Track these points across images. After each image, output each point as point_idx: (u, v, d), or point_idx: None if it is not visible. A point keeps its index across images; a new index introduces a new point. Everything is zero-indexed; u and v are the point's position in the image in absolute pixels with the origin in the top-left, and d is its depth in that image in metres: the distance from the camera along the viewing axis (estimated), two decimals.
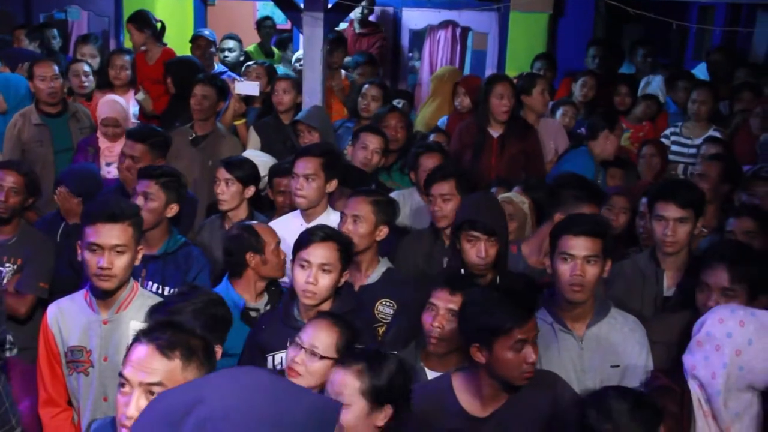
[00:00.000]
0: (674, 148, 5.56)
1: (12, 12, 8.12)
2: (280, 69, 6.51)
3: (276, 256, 3.38)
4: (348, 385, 2.28)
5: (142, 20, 5.98)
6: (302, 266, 2.93)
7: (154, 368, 1.94)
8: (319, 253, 2.91)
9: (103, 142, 4.89)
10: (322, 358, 2.52)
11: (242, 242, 3.33)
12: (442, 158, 4.15)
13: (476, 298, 2.51)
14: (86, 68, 5.79)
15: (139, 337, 2.00)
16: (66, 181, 4.19)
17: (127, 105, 5.33)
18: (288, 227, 3.57)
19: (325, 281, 2.90)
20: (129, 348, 2.01)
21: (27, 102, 5.28)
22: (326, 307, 2.95)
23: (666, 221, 3.21)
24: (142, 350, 1.96)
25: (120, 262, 2.74)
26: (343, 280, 2.97)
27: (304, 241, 2.97)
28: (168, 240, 3.58)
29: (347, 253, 2.98)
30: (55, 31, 7.06)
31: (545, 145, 5.03)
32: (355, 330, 2.61)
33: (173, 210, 3.61)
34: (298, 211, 3.81)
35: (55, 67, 5.11)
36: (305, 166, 3.69)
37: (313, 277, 2.89)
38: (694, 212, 3.24)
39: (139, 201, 3.49)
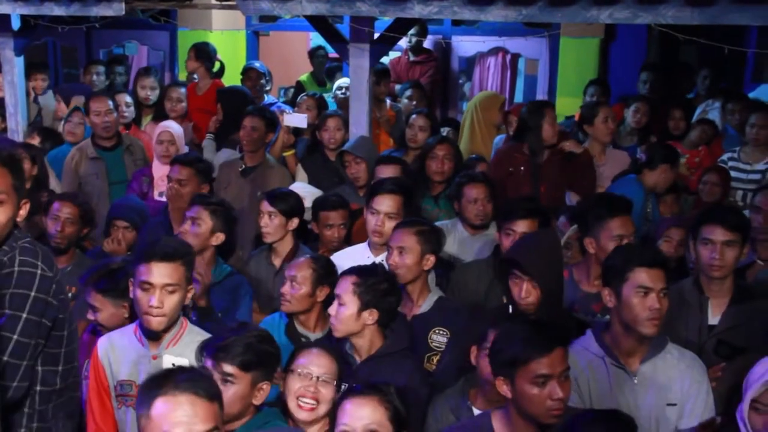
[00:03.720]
0: (732, 174, 5.39)
1: (74, 48, 8.44)
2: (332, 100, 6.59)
3: None
4: (378, 413, 2.37)
5: (202, 51, 6.25)
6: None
7: (209, 417, 1.97)
8: (339, 286, 3.03)
9: (157, 171, 5.02)
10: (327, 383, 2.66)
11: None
12: (487, 188, 4.11)
13: (502, 330, 2.50)
14: (128, 99, 6.01)
15: (166, 391, 1.98)
16: (125, 216, 4.30)
17: (182, 131, 5.46)
18: (355, 259, 3.54)
19: (341, 314, 2.98)
20: (151, 400, 1.98)
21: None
22: (377, 343, 3.00)
23: (713, 244, 3.16)
24: (186, 401, 1.96)
25: (170, 302, 2.78)
26: (367, 317, 2.97)
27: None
28: (213, 269, 3.63)
29: (368, 289, 2.99)
30: (122, 68, 7.32)
31: (612, 176, 4.96)
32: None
33: (219, 239, 3.68)
34: (365, 243, 3.82)
35: (110, 102, 5.29)
36: (389, 204, 3.70)
37: (333, 309, 3.00)
38: (742, 237, 3.17)
39: (186, 225, 3.62)
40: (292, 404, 2.65)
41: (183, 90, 6.18)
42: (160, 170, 4.98)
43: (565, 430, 2.25)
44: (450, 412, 2.80)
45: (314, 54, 7.92)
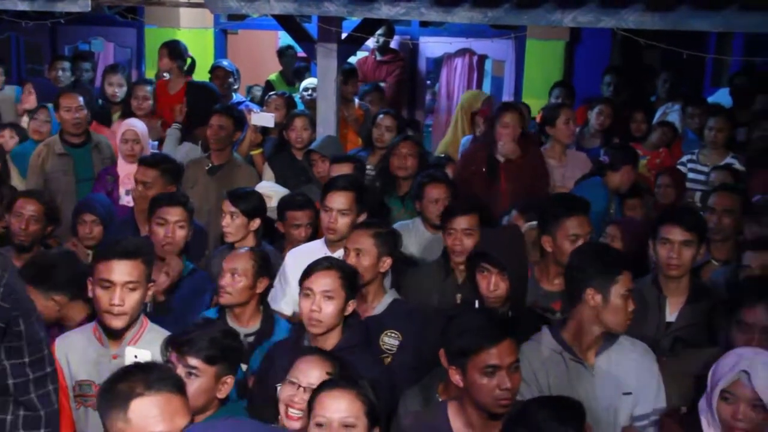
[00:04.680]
0: (691, 175, 5.53)
1: (38, 44, 8.33)
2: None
3: None
4: (355, 407, 2.34)
5: (176, 49, 6.21)
6: (306, 295, 2.96)
7: (184, 409, 2.04)
8: (322, 281, 2.94)
9: (122, 169, 4.98)
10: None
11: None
12: (448, 188, 4.14)
13: (455, 321, 2.54)
14: None
15: (140, 392, 2.01)
16: (93, 209, 4.27)
17: (146, 130, 5.43)
18: (312, 255, 3.49)
19: (329, 308, 2.92)
20: (125, 403, 2.01)
21: None
22: (334, 338, 2.97)
23: (671, 244, 3.25)
24: (164, 399, 2.00)
25: (131, 299, 2.78)
26: (349, 309, 2.99)
27: (307, 271, 3.01)
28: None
29: (351, 281, 3.00)
30: (88, 65, 7.24)
31: (573, 177, 5.04)
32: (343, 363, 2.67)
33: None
34: (322, 240, 3.84)
35: (80, 99, 5.23)
36: (341, 201, 3.72)
37: (317, 305, 2.92)
38: (699, 237, 3.27)
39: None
40: (282, 411, 2.63)
41: (149, 88, 6.14)
42: (125, 169, 4.94)
43: (515, 416, 2.30)
44: (419, 406, 2.83)
45: (283, 53, 7.91)
